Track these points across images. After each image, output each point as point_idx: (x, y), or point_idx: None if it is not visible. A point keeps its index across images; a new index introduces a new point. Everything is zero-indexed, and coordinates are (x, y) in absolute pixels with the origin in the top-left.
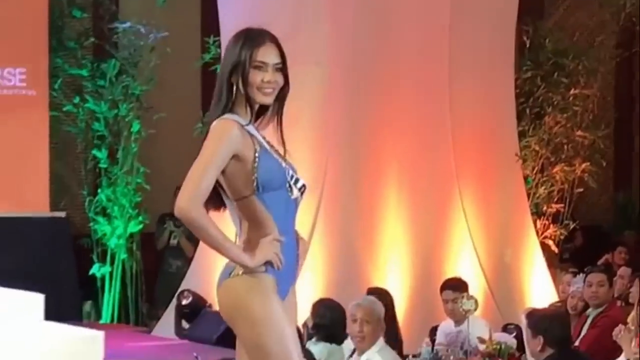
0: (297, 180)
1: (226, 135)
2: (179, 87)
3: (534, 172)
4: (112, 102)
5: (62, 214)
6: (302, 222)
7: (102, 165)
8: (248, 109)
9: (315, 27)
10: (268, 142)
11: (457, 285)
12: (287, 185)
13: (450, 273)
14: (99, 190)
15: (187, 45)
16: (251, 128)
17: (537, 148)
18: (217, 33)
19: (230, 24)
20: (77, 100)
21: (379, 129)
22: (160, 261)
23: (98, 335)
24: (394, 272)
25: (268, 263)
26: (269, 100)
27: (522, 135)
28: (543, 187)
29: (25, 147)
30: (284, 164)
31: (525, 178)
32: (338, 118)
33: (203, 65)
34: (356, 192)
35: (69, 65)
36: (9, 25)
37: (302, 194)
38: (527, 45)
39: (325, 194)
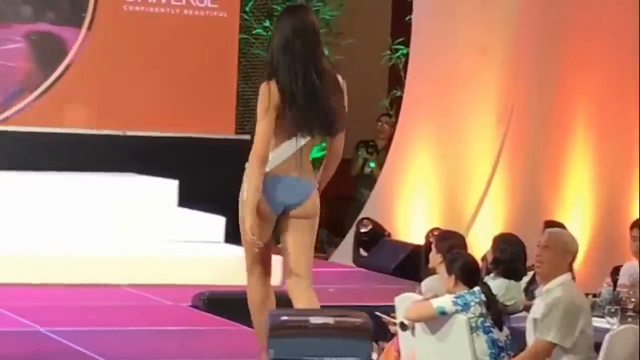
0: None
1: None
2: (368, 13)
3: None
4: None
5: (247, 137)
6: (485, 156)
7: None
8: None
9: None
10: None
11: None
12: None
13: (636, 215)
14: None
15: None
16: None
17: None
18: None
19: None
20: (267, 23)
21: (569, 65)
22: (348, 189)
23: (275, 260)
24: (577, 211)
25: None
26: None
27: None
28: None
29: (214, 69)
30: None
31: None
32: (529, 50)
33: None
34: (543, 127)
35: None
36: None
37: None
38: None
39: (512, 128)
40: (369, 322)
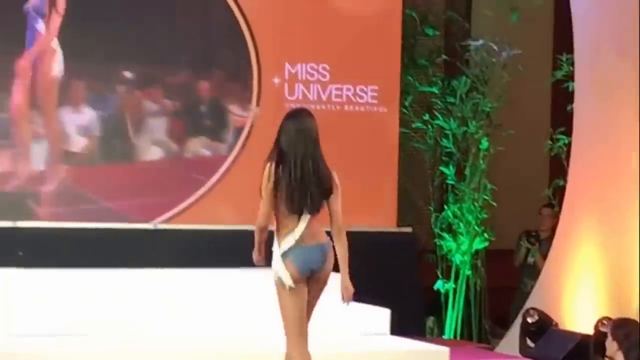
0: None
1: None
2: (528, 104)
3: None
4: (461, 119)
5: (409, 229)
6: (628, 228)
7: (450, 181)
8: None
9: None
10: None
11: None
12: None
13: None
14: (446, 207)
15: (539, 62)
16: None
17: None
18: (570, 50)
19: (584, 41)
20: (426, 117)
21: None
22: (511, 279)
23: (444, 351)
24: None
25: None
26: None
27: None
28: None
29: (376, 163)
30: None
31: None
32: None
33: (554, 82)
34: None
35: (420, 83)
36: (363, 44)
37: None
38: None
39: None
40: None
